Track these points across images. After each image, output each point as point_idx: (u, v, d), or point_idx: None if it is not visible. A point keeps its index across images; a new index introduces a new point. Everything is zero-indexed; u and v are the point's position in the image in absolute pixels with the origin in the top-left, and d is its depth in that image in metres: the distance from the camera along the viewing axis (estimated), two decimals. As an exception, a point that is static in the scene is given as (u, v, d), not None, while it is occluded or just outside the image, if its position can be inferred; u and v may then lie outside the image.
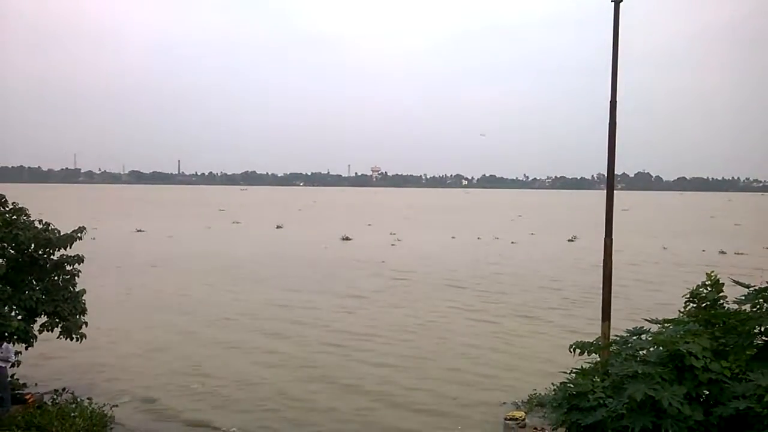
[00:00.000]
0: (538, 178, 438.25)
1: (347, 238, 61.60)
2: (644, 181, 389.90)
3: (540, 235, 69.44)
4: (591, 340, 8.77)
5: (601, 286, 12.46)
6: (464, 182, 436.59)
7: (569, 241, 62.68)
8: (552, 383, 9.83)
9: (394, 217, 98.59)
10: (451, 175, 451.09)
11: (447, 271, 39.83)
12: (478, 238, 64.34)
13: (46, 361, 18.07)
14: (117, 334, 22.46)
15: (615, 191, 13.03)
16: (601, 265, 12.60)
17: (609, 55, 12.75)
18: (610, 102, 12.74)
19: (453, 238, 64.68)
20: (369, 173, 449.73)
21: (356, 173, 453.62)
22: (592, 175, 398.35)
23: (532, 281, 36.49)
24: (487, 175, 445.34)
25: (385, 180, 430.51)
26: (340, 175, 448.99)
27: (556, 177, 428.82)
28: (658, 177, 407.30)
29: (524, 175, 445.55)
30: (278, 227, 75.83)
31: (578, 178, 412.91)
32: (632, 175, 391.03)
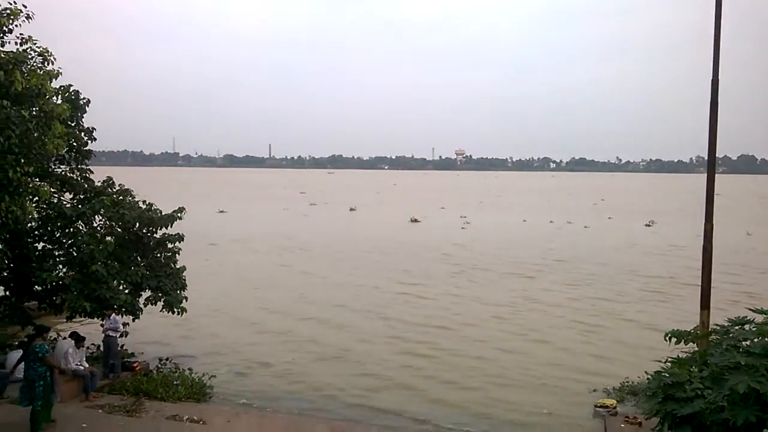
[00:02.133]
0: (631, 161, 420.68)
1: (415, 221, 61.80)
2: (748, 164, 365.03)
3: (617, 219, 67.09)
4: (687, 329, 8.42)
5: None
6: (552, 165, 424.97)
7: (646, 225, 60.36)
8: (645, 372, 9.54)
9: (470, 200, 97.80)
10: (539, 158, 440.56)
11: (516, 256, 38.89)
12: (551, 221, 62.95)
13: (150, 332, 19.27)
14: (209, 308, 23.58)
15: (715, 175, 12.33)
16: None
17: (710, 30, 12.00)
18: (712, 80, 12.00)
19: (524, 221, 63.62)
20: (453, 156, 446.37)
21: (440, 156, 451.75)
22: (691, 158, 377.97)
23: (606, 268, 35.02)
24: (577, 157, 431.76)
25: (470, 163, 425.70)
26: (425, 159, 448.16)
27: (651, 160, 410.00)
28: (763, 160, 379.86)
29: (617, 157, 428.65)
30: (351, 209, 77.15)
31: (675, 161, 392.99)
32: (735, 158, 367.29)
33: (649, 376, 7.94)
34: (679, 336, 8.15)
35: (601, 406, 14.08)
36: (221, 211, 69.61)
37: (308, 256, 38.64)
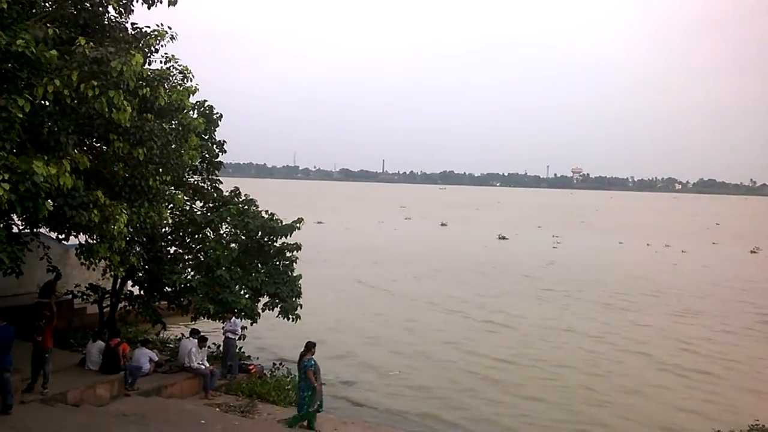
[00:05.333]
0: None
1: (503, 238, 60.98)
2: None
3: (722, 245, 63.16)
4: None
5: None
6: (677, 186, 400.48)
7: (751, 252, 56.45)
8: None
9: (571, 220, 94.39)
10: (663, 179, 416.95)
11: (596, 282, 36.94)
12: (648, 244, 60.14)
13: (266, 337, 20.10)
14: (318, 317, 24.03)
15: None
16: None
17: None
18: None
19: (620, 243, 61.02)
20: (569, 174, 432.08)
21: (555, 174, 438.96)
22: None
23: (699, 298, 32.86)
24: (706, 179, 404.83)
25: (587, 182, 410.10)
26: (539, 176, 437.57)
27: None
28: None
29: (751, 180, 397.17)
30: (442, 225, 77.25)
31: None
32: None
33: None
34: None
35: (728, 449, 13.02)
36: (319, 222, 70.53)
37: (387, 272, 38.80)
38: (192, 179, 16.96)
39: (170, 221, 15.71)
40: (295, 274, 16.88)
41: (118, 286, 16.22)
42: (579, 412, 16.00)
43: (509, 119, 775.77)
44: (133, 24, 12.21)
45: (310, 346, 12.84)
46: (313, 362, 12.60)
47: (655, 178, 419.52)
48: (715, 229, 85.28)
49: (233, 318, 15.86)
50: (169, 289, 15.88)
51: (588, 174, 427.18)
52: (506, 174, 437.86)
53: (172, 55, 12.84)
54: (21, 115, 8.68)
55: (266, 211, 16.92)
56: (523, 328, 24.94)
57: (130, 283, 16.44)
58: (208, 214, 16.67)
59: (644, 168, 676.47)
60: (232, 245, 16.32)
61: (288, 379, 15.85)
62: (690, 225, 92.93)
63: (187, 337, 15.60)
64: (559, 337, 23.72)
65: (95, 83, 9.42)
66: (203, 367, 14.83)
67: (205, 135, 16.18)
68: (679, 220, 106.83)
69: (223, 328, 16.10)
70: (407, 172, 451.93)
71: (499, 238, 61.14)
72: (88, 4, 11.34)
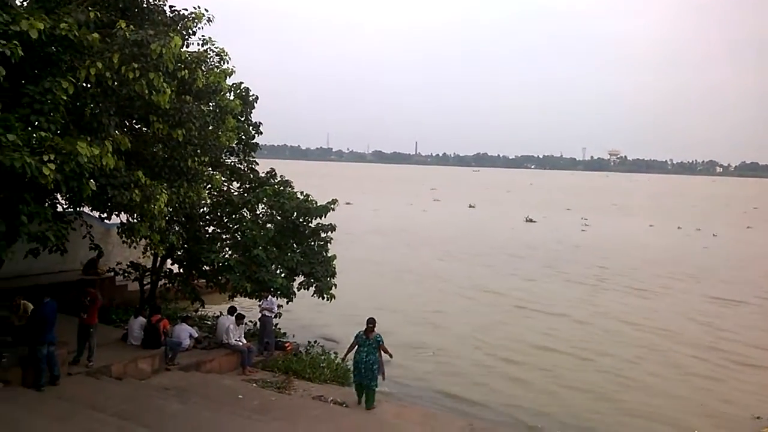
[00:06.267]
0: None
1: (531, 221, 60.54)
2: None
3: (758, 230, 61.25)
4: None
5: None
6: (718, 169, 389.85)
7: None
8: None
9: (602, 203, 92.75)
10: (703, 161, 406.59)
11: (635, 266, 35.95)
12: (678, 227, 59.16)
13: (302, 315, 20.36)
14: (345, 298, 24.28)
15: None
16: None
17: None
18: None
19: (651, 226, 60.04)
20: (606, 157, 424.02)
21: (592, 157, 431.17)
22: None
23: (737, 284, 31.90)
24: (748, 162, 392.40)
25: (624, 164, 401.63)
26: (574, 159, 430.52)
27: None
28: None
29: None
30: (470, 206, 77.21)
31: None
32: None
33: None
34: None
35: (767, 435, 12.82)
36: (348, 203, 68.21)
37: (413, 253, 38.66)
38: (229, 160, 17.21)
39: (208, 201, 16.00)
40: (329, 255, 17.06)
41: (158, 264, 16.64)
42: (611, 399, 15.84)
43: (544, 100, 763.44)
44: (171, 6, 12.38)
45: (375, 322, 13.19)
46: (381, 338, 13.12)
47: (695, 161, 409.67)
48: (752, 213, 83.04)
49: (269, 296, 16.12)
50: (207, 268, 16.22)
51: (625, 156, 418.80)
52: (541, 156, 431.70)
53: (209, 38, 13.01)
54: (65, 97, 8.92)
55: (301, 192, 17.09)
56: (546, 313, 24.45)
57: (169, 261, 16.85)
58: (245, 194, 16.93)
59: (684, 151, 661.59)
60: (269, 225, 16.56)
61: (323, 357, 16.10)
62: (726, 208, 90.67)
63: (225, 315, 15.92)
64: (583, 323, 23.14)
65: (136, 65, 9.62)
66: (240, 343, 15.15)
67: (242, 117, 16.37)
68: (715, 203, 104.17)
69: (259, 306, 16.41)
70: (440, 155, 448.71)
71: (527, 221, 60.64)
72: (128, -13, 11.53)
